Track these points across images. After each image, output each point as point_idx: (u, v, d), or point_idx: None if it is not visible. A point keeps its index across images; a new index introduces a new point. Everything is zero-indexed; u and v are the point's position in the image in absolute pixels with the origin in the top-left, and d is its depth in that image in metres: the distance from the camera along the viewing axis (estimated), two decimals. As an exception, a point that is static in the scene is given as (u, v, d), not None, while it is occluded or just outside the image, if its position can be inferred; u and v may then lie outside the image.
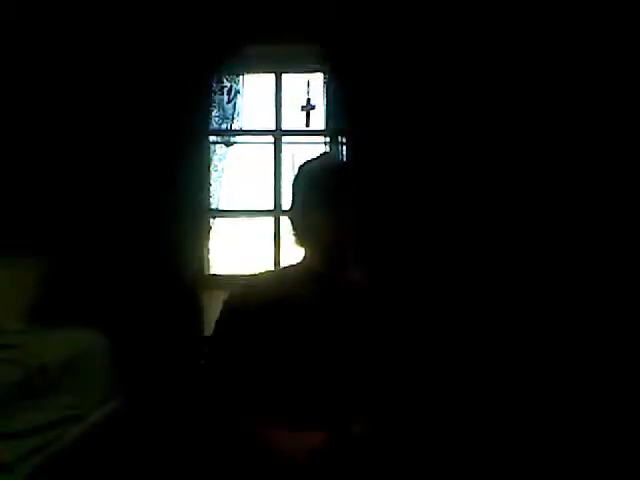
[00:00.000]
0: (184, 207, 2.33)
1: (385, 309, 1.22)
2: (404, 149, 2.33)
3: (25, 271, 2.18)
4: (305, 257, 1.25)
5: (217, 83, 2.40)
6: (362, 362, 1.14)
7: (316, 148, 2.49)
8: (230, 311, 1.20)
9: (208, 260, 2.46)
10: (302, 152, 2.61)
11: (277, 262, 2.50)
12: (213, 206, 2.42)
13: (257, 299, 1.17)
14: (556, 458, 2.03)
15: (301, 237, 1.23)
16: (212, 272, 2.47)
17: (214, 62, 2.38)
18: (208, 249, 2.46)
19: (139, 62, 2.37)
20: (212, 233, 2.44)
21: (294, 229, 1.24)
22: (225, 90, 2.42)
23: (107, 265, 2.32)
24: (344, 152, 2.38)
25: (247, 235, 2.60)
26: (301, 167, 1.26)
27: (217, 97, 2.41)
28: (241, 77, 2.44)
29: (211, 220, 2.42)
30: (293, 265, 1.26)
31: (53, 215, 2.35)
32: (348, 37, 2.33)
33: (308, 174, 1.24)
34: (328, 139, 2.41)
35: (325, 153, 1.29)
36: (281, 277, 1.24)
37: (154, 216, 2.32)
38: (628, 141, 2.28)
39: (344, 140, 2.38)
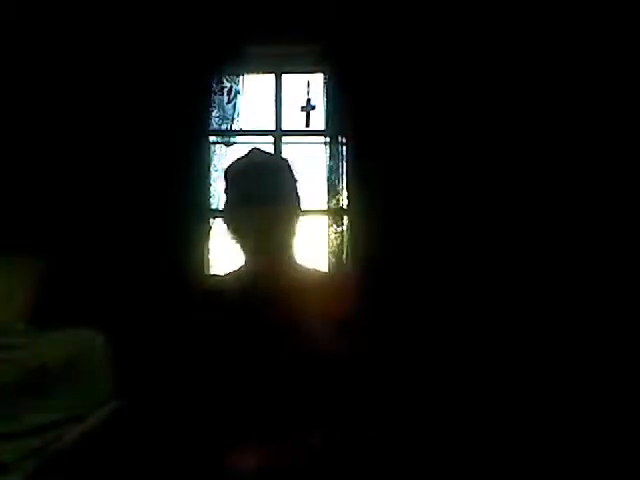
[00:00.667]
0: (184, 207, 2.33)
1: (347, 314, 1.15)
2: (404, 149, 2.33)
3: (25, 271, 2.18)
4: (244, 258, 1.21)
5: (217, 83, 2.40)
6: (310, 368, 1.08)
7: (316, 148, 2.50)
8: (193, 302, 1.19)
9: (208, 260, 2.46)
10: (302, 152, 2.62)
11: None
12: (213, 206, 2.42)
13: (208, 302, 1.16)
14: (556, 458, 2.03)
15: (233, 239, 1.20)
16: (212, 272, 2.47)
17: (214, 62, 2.38)
18: (208, 249, 2.46)
19: (139, 62, 2.37)
20: (212, 233, 2.44)
21: (228, 232, 1.21)
22: (225, 90, 2.41)
23: (106, 265, 2.32)
24: (344, 152, 2.39)
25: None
26: (227, 168, 1.22)
27: (217, 97, 2.41)
28: (241, 77, 2.44)
29: (211, 220, 2.42)
30: (238, 269, 1.23)
31: (52, 215, 2.35)
32: (348, 37, 2.33)
33: (229, 173, 1.20)
34: (328, 139, 2.41)
35: (252, 150, 1.22)
36: (227, 281, 1.21)
37: (154, 216, 2.32)
38: (633, 141, 2.28)
39: (344, 140, 2.38)
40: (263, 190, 1.12)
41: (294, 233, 1.20)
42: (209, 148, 2.43)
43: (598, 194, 2.28)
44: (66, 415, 1.75)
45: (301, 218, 1.22)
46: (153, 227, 2.32)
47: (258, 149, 1.26)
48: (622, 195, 2.27)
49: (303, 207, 1.24)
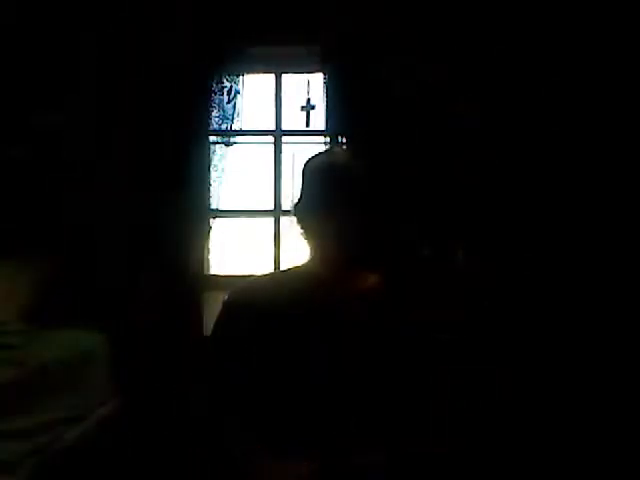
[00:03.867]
0: (184, 207, 2.33)
1: (394, 322, 1.15)
2: (404, 149, 2.33)
3: (25, 271, 2.18)
4: (309, 258, 1.19)
5: (217, 83, 2.40)
6: (363, 382, 1.06)
7: (316, 148, 2.50)
8: (228, 313, 1.15)
9: (208, 260, 2.46)
10: (302, 152, 2.61)
11: (277, 262, 2.49)
12: (213, 206, 2.42)
13: (255, 303, 1.10)
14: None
15: (304, 236, 1.17)
16: (212, 272, 2.47)
17: (214, 62, 2.38)
18: (208, 249, 2.46)
19: (139, 62, 2.37)
20: (212, 233, 2.44)
21: (300, 227, 1.18)
22: (225, 90, 2.41)
23: (106, 265, 2.32)
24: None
25: (247, 235, 2.60)
26: (306, 163, 1.20)
27: (217, 97, 2.41)
28: (241, 77, 2.44)
29: (211, 220, 2.42)
30: (297, 267, 1.20)
31: (52, 214, 2.35)
32: (348, 37, 2.33)
33: (309, 171, 1.18)
34: (328, 139, 2.41)
35: (331, 149, 1.21)
36: (280, 280, 1.17)
37: (153, 216, 2.32)
38: None
39: (344, 140, 2.38)
40: (343, 192, 1.11)
41: (366, 242, 1.19)
42: (209, 148, 2.43)
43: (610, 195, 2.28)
44: (66, 415, 1.75)
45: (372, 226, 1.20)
46: (153, 226, 2.32)
47: (335, 149, 1.25)
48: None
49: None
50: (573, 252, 2.26)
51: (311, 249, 1.16)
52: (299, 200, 1.17)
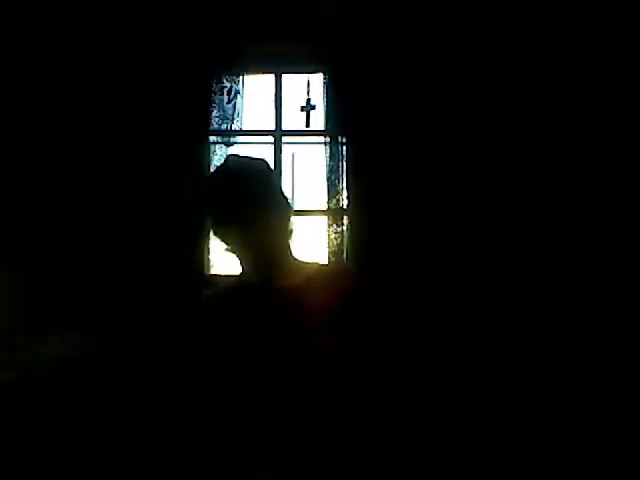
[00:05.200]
0: (184, 207, 2.33)
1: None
2: (404, 149, 2.33)
3: (25, 271, 2.18)
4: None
5: (217, 83, 2.40)
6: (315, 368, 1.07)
7: (316, 148, 2.50)
8: (201, 314, 1.18)
9: (208, 260, 2.46)
10: (302, 152, 2.62)
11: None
12: (213, 206, 2.42)
13: (214, 308, 1.17)
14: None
15: (227, 250, 1.18)
16: (212, 272, 2.47)
17: (214, 62, 2.37)
18: (208, 249, 2.46)
19: (139, 62, 2.37)
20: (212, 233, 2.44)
21: (222, 244, 1.19)
22: (225, 90, 2.41)
23: (106, 265, 2.32)
24: (344, 152, 2.39)
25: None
26: (203, 180, 1.22)
27: (217, 98, 2.41)
28: (241, 77, 2.44)
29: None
30: (238, 275, 1.21)
31: (52, 215, 2.35)
32: (348, 37, 2.33)
33: (206, 187, 1.18)
34: (328, 139, 2.41)
35: (226, 158, 1.19)
36: (230, 288, 1.21)
37: (154, 216, 2.32)
38: None
39: (344, 140, 2.38)
40: (239, 204, 1.10)
41: (283, 234, 1.17)
42: (209, 148, 2.43)
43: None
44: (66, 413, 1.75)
45: (289, 216, 1.18)
46: (153, 227, 2.32)
47: (234, 155, 1.23)
48: None
49: (295, 206, 1.21)
50: (572, 252, 2.27)
51: (239, 261, 1.18)
52: (209, 218, 1.18)
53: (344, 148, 2.39)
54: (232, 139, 2.45)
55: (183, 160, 2.34)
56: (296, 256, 1.21)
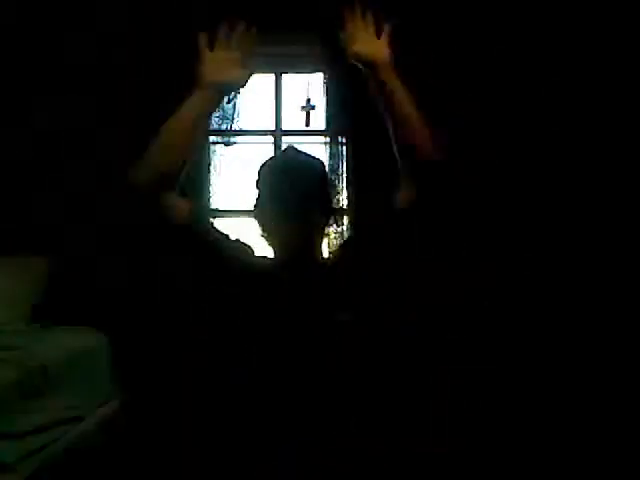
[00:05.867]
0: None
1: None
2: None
3: (26, 271, 2.18)
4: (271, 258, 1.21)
5: (217, 83, 2.39)
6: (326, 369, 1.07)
7: (316, 148, 2.50)
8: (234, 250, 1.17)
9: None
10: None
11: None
12: (213, 206, 2.42)
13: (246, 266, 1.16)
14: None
15: (264, 237, 1.20)
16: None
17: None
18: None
19: (139, 62, 2.37)
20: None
21: (260, 228, 1.21)
22: (225, 90, 2.41)
23: (106, 265, 2.32)
24: (344, 152, 2.39)
25: (247, 235, 2.60)
26: (262, 164, 1.23)
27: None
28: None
29: (211, 220, 2.42)
30: (266, 259, 1.22)
31: (53, 215, 2.35)
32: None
33: (264, 171, 1.20)
34: (328, 139, 2.41)
35: (287, 148, 1.23)
36: (264, 265, 1.20)
37: (154, 216, 2.31)
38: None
39: (344, 140, 2.38)
40: (294, 191, 1.12)
41: (322, 235, 1.21)
42: (209, 148, 2.43)
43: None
44: (66, 415, 1.75)
45: (330, 219, 1.21)
46: (153, 227, 2.31)
47: (293, 148, 1.26)
48: None
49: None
50: (572, 252, 2.27)
51: (272, 248, 1.19)
52: (256, 201, 1.19)
53: (344, 148, 2.39)
54: (232, 139, 2.45)
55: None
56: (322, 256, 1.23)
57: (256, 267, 1.17)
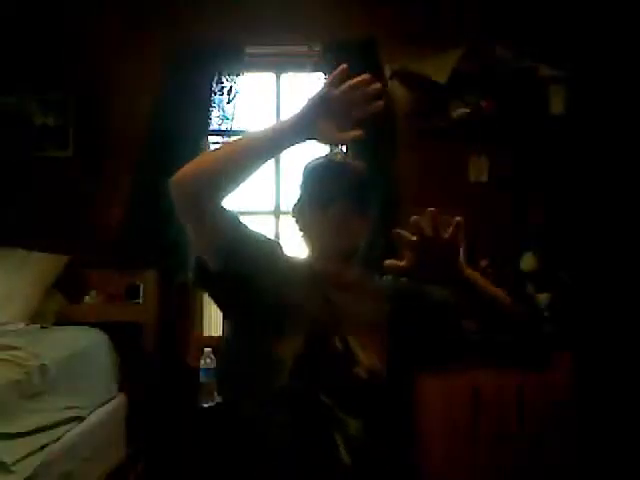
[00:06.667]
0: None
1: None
2: (404, 148, 2.33)
3: (26, 271, 2.18)
4: (308, 257, 1.19)
5: (217, 83, 2.39)
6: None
7: (316, 148, 2.49)
8: (272, 247, 1.16)
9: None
10: (302, 152, 2.61)
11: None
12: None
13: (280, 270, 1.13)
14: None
15: (303, 235, 1.20)
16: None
17: (214, 62, 2.37)
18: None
19: (139, 62, 2.37)
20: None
21: (298, 226, 1.20)
22: (225, 90, 2.41)
23: (106, 265, 2.32)
24: (344, 152, 2.39)
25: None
26: (307, 164, 1.23)
27: (217, 97, 2.40)
28: (241, 77, 2.43)
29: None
30: (302, 260, 1.21)
31: (52, 215, 2.36)
32: (348, 37, 2.33)
33: (308, 170, 1.21)
34: (328, 139, 2.41)
35: (331, 151, 1.24)
36: (295, 266, 1.19)
37: (154, 216, 2.31)
38: None
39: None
40: (338, 191, 1.11)
41: (362, 239, 1.18)
42: (209, 148, 2.43)
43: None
44: (66, 416, 1.75)
45: (370, 225, 1.19)
46: (153, 227, 2.31)
47: (338, 152, 1.26)
48: None
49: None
50: (572, 252, 2.27)
51: (309, 248, 1.18)
52: (298, 199, 1.19)
53: (344, 148, 2.38)
54: (232, 139, 2.45)
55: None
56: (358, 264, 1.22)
57: (293, 262, 1.17)
